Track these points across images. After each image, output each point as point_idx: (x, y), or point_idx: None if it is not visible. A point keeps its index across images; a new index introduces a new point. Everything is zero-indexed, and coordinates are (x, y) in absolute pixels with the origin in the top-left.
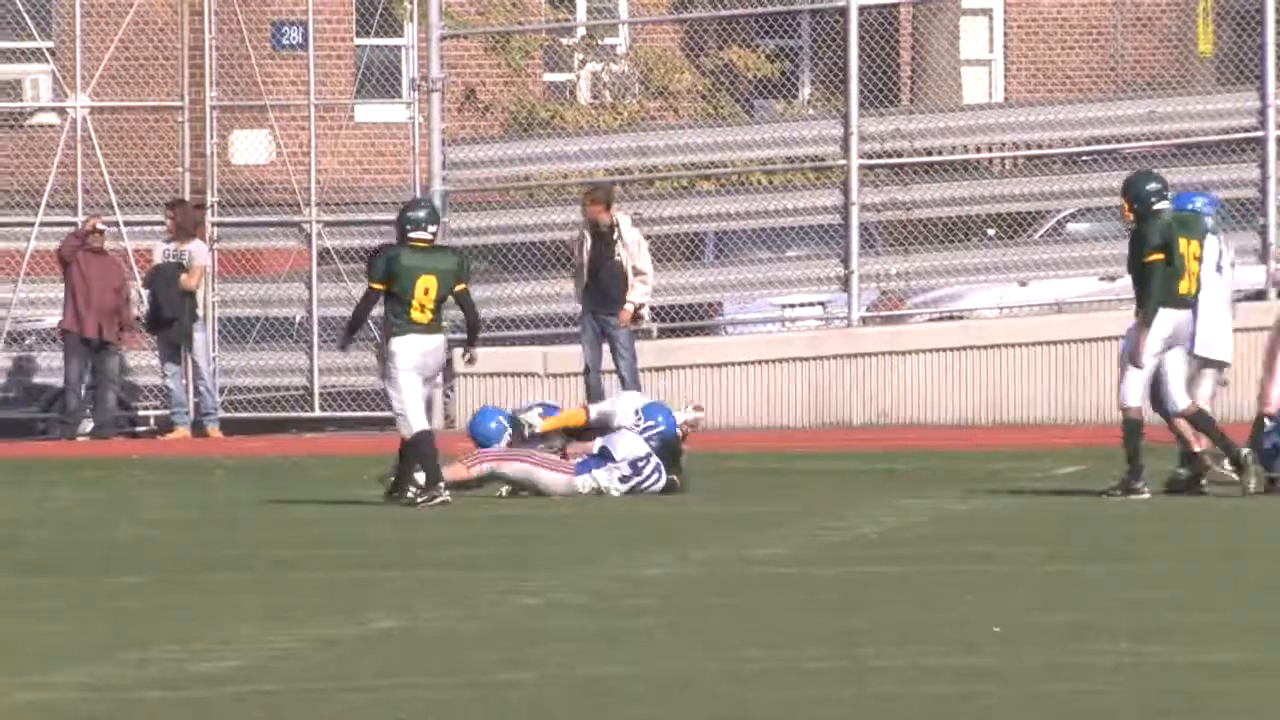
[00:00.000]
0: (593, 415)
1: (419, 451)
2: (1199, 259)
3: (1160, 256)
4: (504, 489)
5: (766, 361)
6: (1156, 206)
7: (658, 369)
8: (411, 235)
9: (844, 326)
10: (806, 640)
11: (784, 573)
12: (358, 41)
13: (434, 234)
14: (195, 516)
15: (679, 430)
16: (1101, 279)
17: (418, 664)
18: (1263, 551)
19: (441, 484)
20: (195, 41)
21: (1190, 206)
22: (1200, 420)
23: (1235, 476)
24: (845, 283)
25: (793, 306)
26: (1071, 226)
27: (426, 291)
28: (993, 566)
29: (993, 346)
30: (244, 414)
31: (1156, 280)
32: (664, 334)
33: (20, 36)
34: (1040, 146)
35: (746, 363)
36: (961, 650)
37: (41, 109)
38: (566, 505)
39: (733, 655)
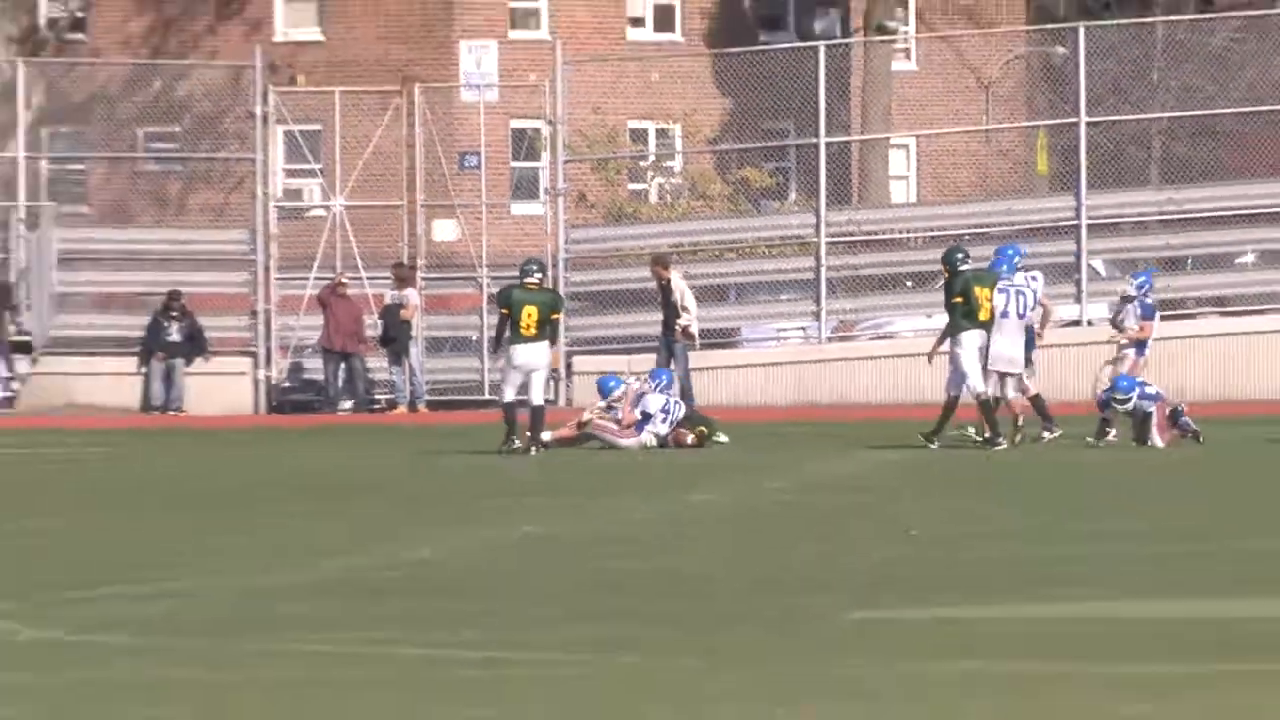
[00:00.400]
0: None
1: (506, 416)
2: (989, 299)
3: (960, 299)
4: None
5: (768, 365)
6: (960, 268)
7: (702, 369)
8: (525, 280)
9: (816, 343)
10: (808, 537)
11: (788, 500)
12: (512, 164)
13: (539, 280)
14: (415, 461)
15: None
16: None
17: (555, 558)
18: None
19: (514, 439)
20: (410, 164)
21: (1006, 257)
22: (1036, 402)
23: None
24: (817, 316)
25: (784, 330)
26: None
27: (530, 315)
28: (905, 496)
29: (908, 355)
30: (441, 397)
31: (956, 315)
32: (705, 347)
33: (302, 161)
34: (939, 229)
35: (756, 365)
36: (902, 539)
37: (313, 207)
38: (641, 455)
39: (774, 545)
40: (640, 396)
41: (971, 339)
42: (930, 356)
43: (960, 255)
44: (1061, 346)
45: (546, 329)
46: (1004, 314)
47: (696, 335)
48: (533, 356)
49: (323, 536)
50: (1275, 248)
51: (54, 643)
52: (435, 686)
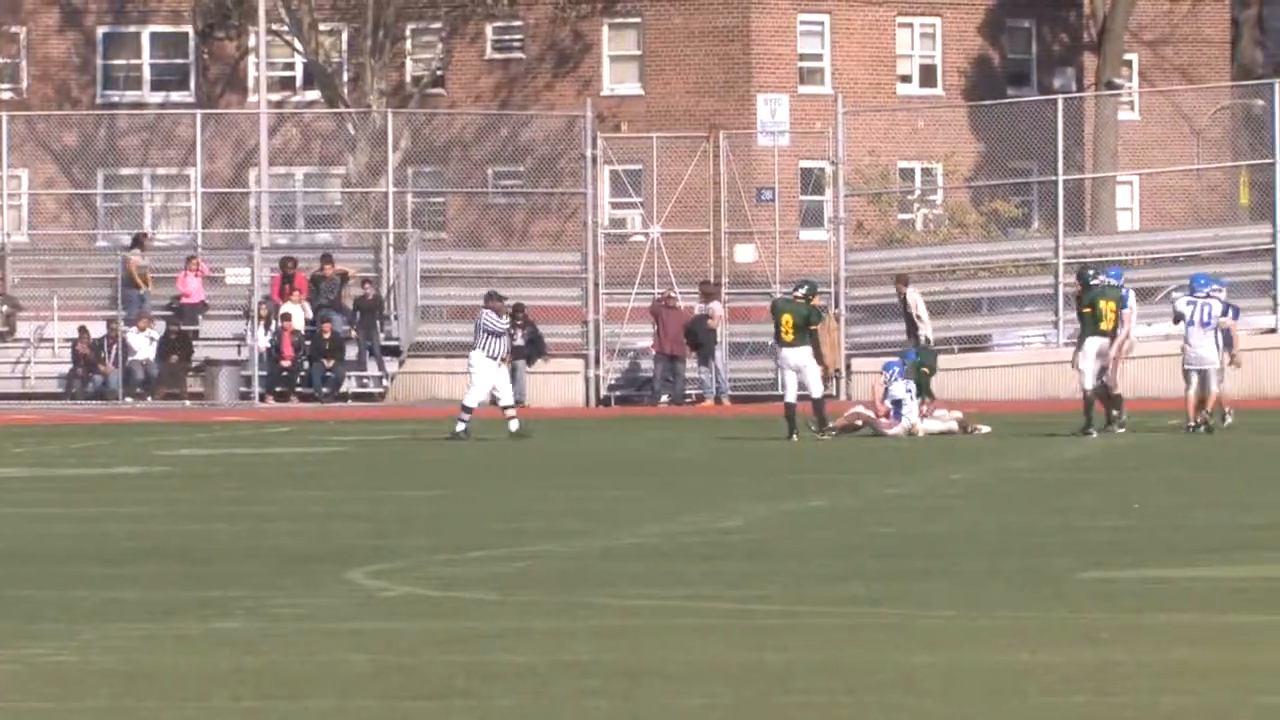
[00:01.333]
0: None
1: (789, 413)
2: (1114, 310)
3: (1089, 310)
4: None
5: (1014, 365)
6: (1092, 283)
7: (959, 369)
8: (793, 294)
9: (1055, 346)
10: (1046, 509)
11: (1030, 478)
12: (801, 197)
13: (804, 295)
14: (722, 446)
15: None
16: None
17: (836, 526)
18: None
19: (828, 425)
20: (715, 197)
21: (1108, 277)
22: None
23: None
24: (1055, 324)
25: (1028, 337)
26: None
27: (787, 323)
28: (1108, 472)
29: (1135, 357)
30: (742, 393)
31: (1085, 324)
32: (961, 350)
33: (625, 195)
34: (1158, 252)
35: (1004, 366)
36: (1127, 510)
37: (634, 233)
38: (905, 440)
39: (1018, 515)
40: (886, 389)
41: (1092, 344)
42: (1074, 363)
43: (1091, 273)
44: (1260, 350)
45: (804, 334)
46: (1190, 322)
47: (931, 339)
48: (795, 357)
49: (647, 508)
50: None
51: (419, 598)
52: (741, 633)
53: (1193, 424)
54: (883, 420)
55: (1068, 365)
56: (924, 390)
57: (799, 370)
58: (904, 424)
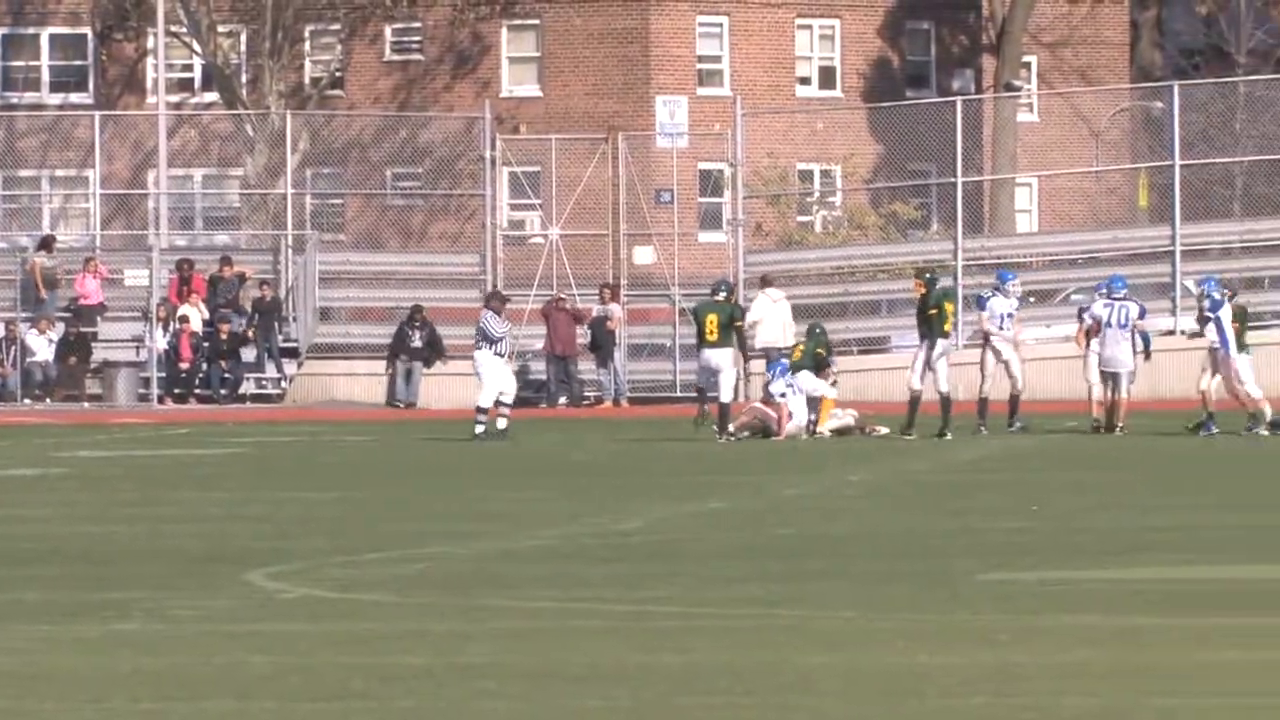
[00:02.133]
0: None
1: (722, 411)
2: (953, 313)
3: (934, 311)
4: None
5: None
6: (935, 286)
7: (858, 371)
8: (713, 297)
9: (955, 348)
10: (945, 510)
11: (929, 479)
12: (699, 199)
13: (724, 296)
14: (620, 448)
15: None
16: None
17: (736, 528)
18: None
19: (728, 429)
20: (614, 199)
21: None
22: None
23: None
24: (955, 325)
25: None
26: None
27: (713, 323)
28: (1006, 474)
29: (1033, 360)
30: (640, 394)
31: (930, 326)
32: (861, 351)
33: (524, 197)
34: (1056, 254)
35: (904, 367)
36: (1025, 513)
37: (533, 235)
38: (803, 441)
39: (917, 516)
40: (767, 387)
41: (940, 346)
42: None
43: (931, 275)
44: (1159, 353)
45: (728, 335)
46: (1107, 324)
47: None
48: (717, 359)
49: (547, 510)
50: None
51: (318, 599)
52: (640, 635)
53: (1099, 424)
54: (775, 415)
55: (967, 367)
56: (823, 366)
57: (718, 372)
58: (796, 421)
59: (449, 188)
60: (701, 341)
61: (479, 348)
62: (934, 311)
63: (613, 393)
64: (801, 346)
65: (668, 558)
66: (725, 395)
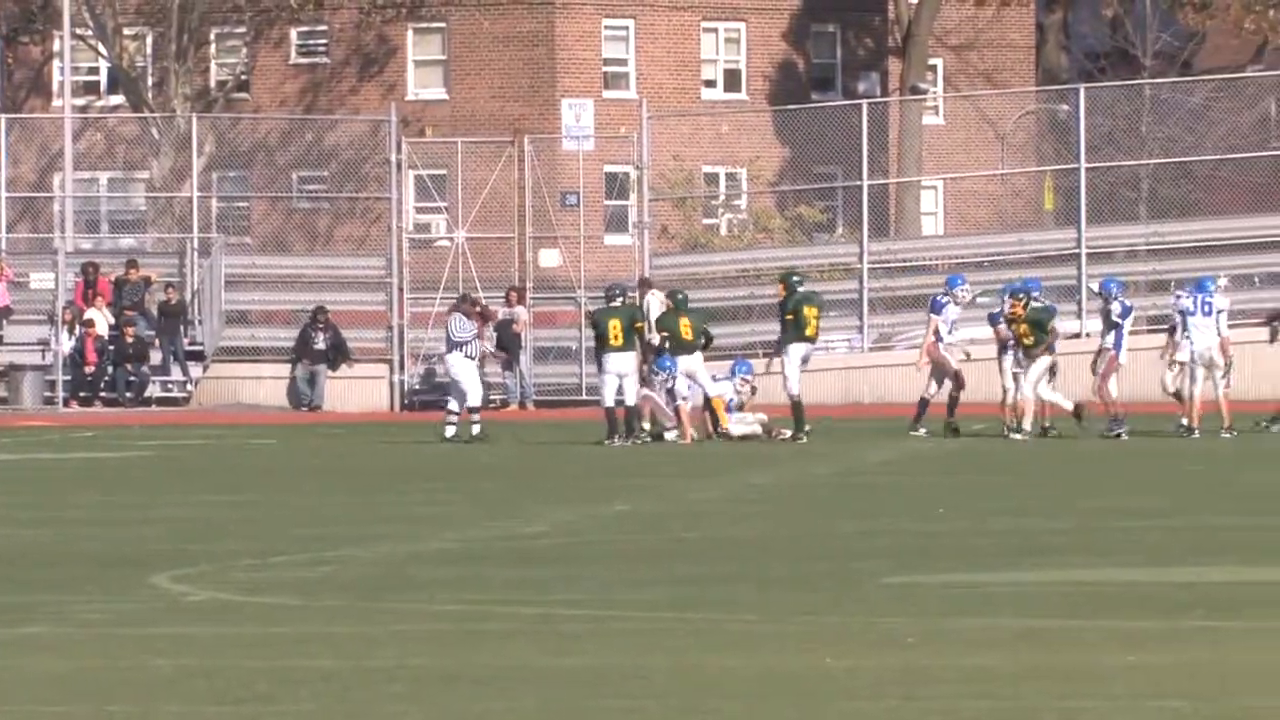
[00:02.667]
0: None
1: (606, 414)
2: (816, 317)
3: (791, 316)
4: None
5: (819, 370)
6: (797, 289)
7: (765, 374)
8: (610, 302)
9: (859, 352)
10: (851, 513)
11: (835, 483)
12: (605, 202)
13: (621, 300)
14: (527, 450)
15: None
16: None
17: (642, 531)
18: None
19: (618, 436)
20: (520, 202)
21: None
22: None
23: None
24: (860, 329)
25: (833, 342)
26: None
27: (616, 327)
28: (912, 477)
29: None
30: (546, 397)
31: (789, 330)
32: (765, 355)
33: (430, 200)
34: (962, 256)
35: (809, 371)
36: (932, 515)
37: (439, 238)
38: (708, 445)
39: (823, 519)
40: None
41: (797, 350)
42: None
43: (797, 279)
44: (1063, 355)
45: (631, 339)
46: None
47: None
48: (621, 363)
49: (452, 513)
50: (1244, 272)
51: (223, 603)
52: (547, 638)
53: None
54: (669, 406)
55: (871, 370)
56: (695, 347)
57: (622, 376)
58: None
59: (355, 191)
60: (605, 347)
61: (450, 351)
62: (790, 316)
63: (518, 396)
64: (688, 324)
65: (574, 561)
66: (631, 398)
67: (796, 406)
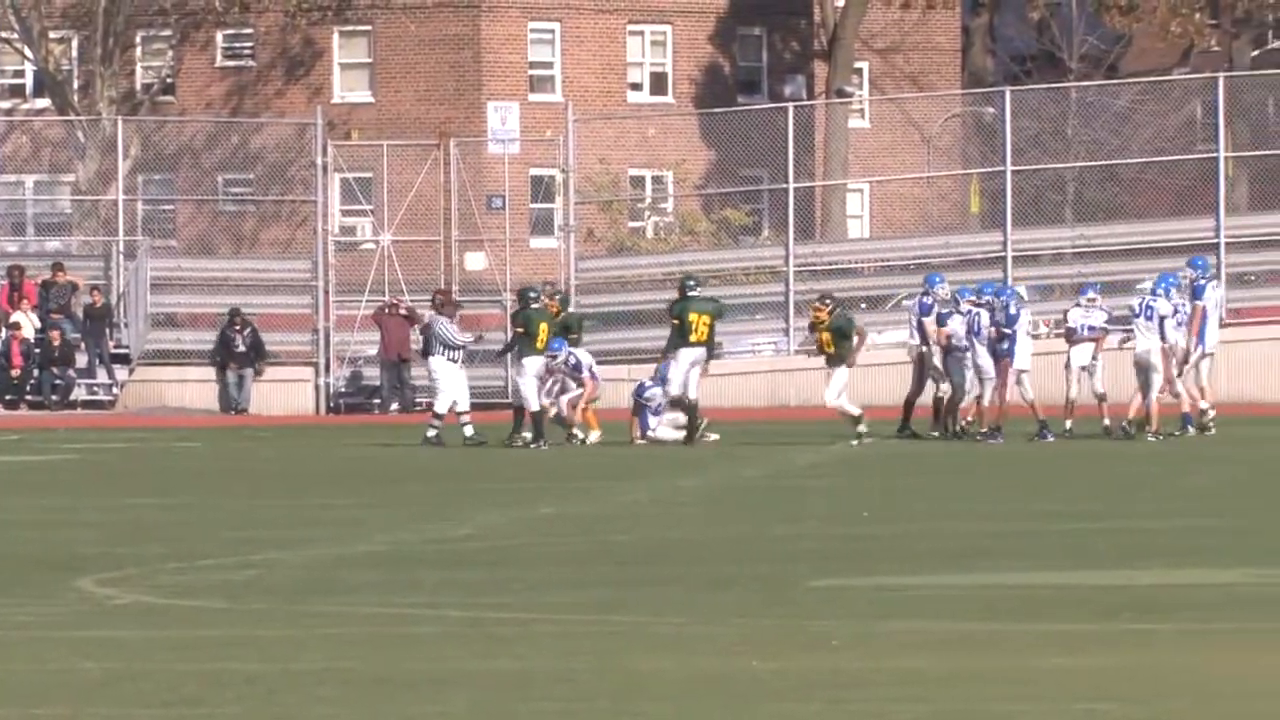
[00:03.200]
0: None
1: (532, 417)
2: (706, 324)
3: (676, 321)
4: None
5: (745, 373)
6: (690, 293)
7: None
8: (532, 305)
9: (785, 355)
10: (779, 516)
11: (762, 485)
12: (531, 205)
13: (542, 303)
14: (453, 454)
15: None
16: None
17: (569, 534)
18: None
19: (527, 435)
20: (446, 205)
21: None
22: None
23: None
24: (786, 332)
25: (759, 344)
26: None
27: (544, 331)
28: (840, 480)
29: (865, 365)
30: (474, 400)
31: (675, 335)
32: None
33: (356, 203)
34: (888, 259)
35: (735, 374)
36: (857, 519)
37: (365, 241)
38: (634, 449)
39: (751, 522)
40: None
41: (686, 355)
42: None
43: (692, 283)
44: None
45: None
46: (976, 333)
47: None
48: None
49: (379, 516)
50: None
51: (149, 606)
52: (476, 641)
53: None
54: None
55: (796, 373)
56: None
57: (548, 376)
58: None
59: (281, 194)
60: (530, 349)
61: (433, 354)
62: (675, 321)
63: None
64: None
65: (501, 564)
66: (534, 404)
67: (690, 409)
